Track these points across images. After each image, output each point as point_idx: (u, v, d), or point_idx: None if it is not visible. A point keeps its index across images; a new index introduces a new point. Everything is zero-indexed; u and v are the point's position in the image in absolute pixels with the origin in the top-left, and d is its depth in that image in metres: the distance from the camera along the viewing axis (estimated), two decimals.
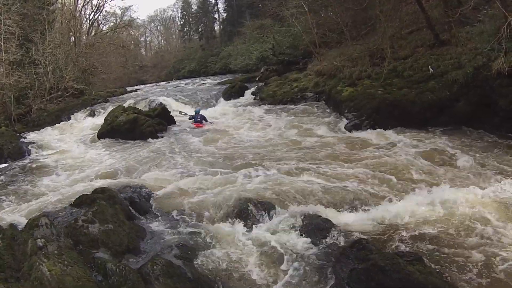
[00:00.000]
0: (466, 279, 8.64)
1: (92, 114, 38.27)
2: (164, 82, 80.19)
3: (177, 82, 73.26)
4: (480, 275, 8.67)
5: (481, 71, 18.56)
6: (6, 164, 23.64)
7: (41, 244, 8.68)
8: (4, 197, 16.91)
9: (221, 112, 33.47)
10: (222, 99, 39.70)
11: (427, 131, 20.02)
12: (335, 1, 34.10)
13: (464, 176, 14.16)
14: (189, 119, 30.43)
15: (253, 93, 39.41)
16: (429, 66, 21.70)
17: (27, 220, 10.42)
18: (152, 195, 14.51)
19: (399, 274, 8.07)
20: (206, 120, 29.30)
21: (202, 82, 60.43)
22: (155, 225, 12.28)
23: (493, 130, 18.33)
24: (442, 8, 23.79)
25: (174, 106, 36.55)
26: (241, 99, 38.84)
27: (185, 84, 61.26)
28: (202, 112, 30.60)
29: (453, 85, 19.84)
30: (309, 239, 10.43)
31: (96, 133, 28.78)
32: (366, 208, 12.34)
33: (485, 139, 17.83)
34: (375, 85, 23.74)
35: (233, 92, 40.81)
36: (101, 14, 62.20)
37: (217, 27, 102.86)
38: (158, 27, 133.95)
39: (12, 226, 10.74)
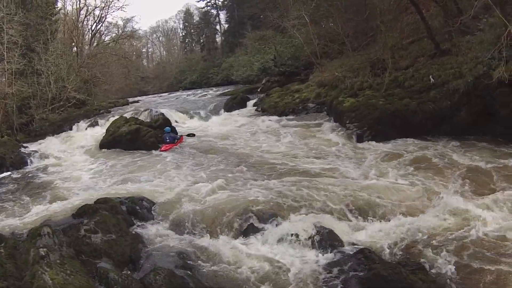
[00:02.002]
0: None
1: (94, 125, 38.21)
2: (166, 93, 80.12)
3: (178, 93, 73.23)
4: (485, 283, 8.70)
5: (481, 80, 18.61)
6: (8, 173, 23.67)
7: (43, 253, 8.71)
8: (6, 206, 16.94)
9: (222, 123, 33.54)
10: (223, 110, 39.59)
11: (428, 140, 20.01)
12: (336, 12, 34.13)
13: (465, 185, 14.18)
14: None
15: (254, 104, 39.47)
16: (430, 76, 21.74)
17: (29, 230, 10.43)
18: (154, 205, 14.55)
19: (402, 283, 8.11)
20: (176, 139, 27.11)
21: (204, 93, 60.35)
22: (157, 235, 12.26)
23: (494, 139, 18.33)
24: (442, 17, 23.91)
25: (176, 117, 36.43)
26: (242, 110, 38.70)
27: (187, 95, 61.18)
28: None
29: (454, 94, 19.90)
30: (312, 250, 10.48)
31: (98, 144, 28.80)
32: (370, 219, 12.38)
33: (486, 148, 17.83)
34: (376, 95, 23.76)
35: (234, 103, 40.59)
36: (103, 25, 62.14)
37: (218, 38, 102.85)
38: (160, 38, 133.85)
39: (14, 235, 10.80)
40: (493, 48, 18.21)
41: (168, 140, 26.66)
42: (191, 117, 37.99)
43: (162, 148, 25.82)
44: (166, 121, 31.37)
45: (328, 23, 39.30)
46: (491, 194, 12.90)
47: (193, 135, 28.85)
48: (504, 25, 17.29)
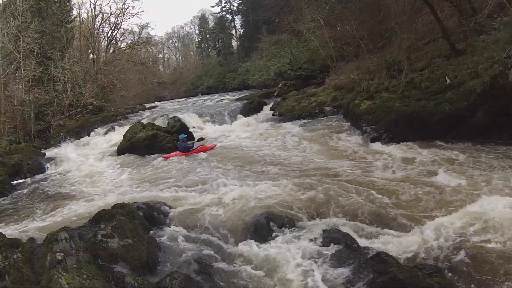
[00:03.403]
0: None
1: (112, 130, 38.44)
2: (183, 99, 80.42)
3: (196, 98, 73.43)
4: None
5: (498, 79, 18.46)
6: (26, 179, 23.91)
7: (60, 258, 8.77)
8: (23, 212, 17.23)
9: (240, 128, 33.56)
10: (240, 115, 39.50)
11: (446, 142, 19.90)
12: (351, 15, 34.05)
13: (486, 187, 14.05)
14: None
15: (271, 109, 39.47)
16: (446, 77, 21.63)
17: (47, 235, 10.47)
18: (171, 210, 14.62)
19: (418, 286, 8.05)
20: (189, 149, 25.90)
21: (221, 98, 60.46)
22: (173, 240, 12.32)
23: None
24: (457, 17, 23.79)
25: (193, 123, 36.46)
26: (259, 115, 38.86)
27: (204, 100, 61.45)
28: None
29: (471, 95, 19.74)
30: (328, 253, 10.39)
31: (116, 149, 28.96)
32: (386, 223, 12.34)
33: (504, 149, 17.70)
34: (392, 97, 23.66)
35: (251, 108, 40.71)
36: (119, 32, 62.53)
37: (234, 43, 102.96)
38: (176, 44, 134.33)
39: (31, 240, 10.86)
40: (508, 47, 18.14)
41: (180, 149, 26.14)
42: (209, 122, 38.10)
43: (165, 156, 25.62)
44: (183, 127, 31.47)
45: (343, 26, 39.20)
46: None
47: (202, 139, 28.21)
48: None
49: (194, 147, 26.36)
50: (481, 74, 19.75)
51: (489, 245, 10.07)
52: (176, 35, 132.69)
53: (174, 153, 25.88)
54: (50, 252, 9.17)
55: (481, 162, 16.57)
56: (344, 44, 37.64)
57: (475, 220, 11.31)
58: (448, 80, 21.42)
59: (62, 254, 8.94)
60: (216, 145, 27.13)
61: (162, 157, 25.41)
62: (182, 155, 25.33)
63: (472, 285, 8.84)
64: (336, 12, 37.39)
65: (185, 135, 27.33)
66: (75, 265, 8.71)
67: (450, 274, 9.22)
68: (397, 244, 10.84)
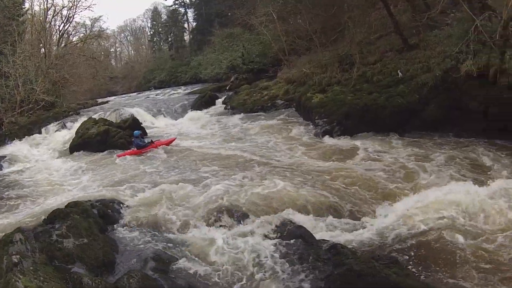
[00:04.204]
0: (441, 279, 8.75)
1: (64, 127, 37.83)
2: (135, 93, 79.67)
3: (147, 92, 72.91)
4: (457, 275, 8.79)
5: (450, 73, 18.73)
6: None
7: (16, 260, 8.57)
8: None
9: (191, 122, 33.38)
10: (192, 109, 39.30)
11: (399, 135, 20.10)
12: (304, 8, 34.14)
13: (430, 178, 14.35)
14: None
15: (223, 102, 39.27)
16: (398, 71, 21.83)
17: (1, 236, 10.32)
18: (126, 207, 14.32)
19: (375, 277, 8.02)
20: (142, 146, 24.55)
21: (173, 92, 60.00)
22: (129, 238, 12.06)
23: (465, 133, 18.49)
24: (410, 13, 24.01)
25: (145, 117, 36.14)
26: (211, 109, 38.47)
27: (156, 95, 60.90)
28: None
29: (423, 88, 19.97)
30: (283, 246, 10.33)
31: (68, 146, 28.55)
32: (340, 214, 12.42)
33: (455, 142, 18.01)
34: (344, 91, 23.75)
35: (203, 102, 40.25)
36: (71, 25, 61.29)
37: (187, 37, 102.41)
38: (128, 38, 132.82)
39: None
40: (461, 42, 18.40)
41: (133, 146, 25.27)
42: (160, 116, 37.88)
43: (119, 154, 24.51)
44: (135, 121, 30.98)
45: (296, 20, 39.33)
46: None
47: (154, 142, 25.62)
48: (472, 20, 17.47)
49: (149, 142, 25.24)
50: (433, 68, 20.03)
51: (442, 233, 10.22)
52: (128, 28, 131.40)
53: (129, 151, 25.13)
54: (6, 254, 9.03)
55: (431, 153, 16.88)
56: (297, 38, 37.74)
57: (425, 209, 11.56)
58: (400, 74, 21.64)
59: (18, 256, 8.75)
60: (175, 138, 26.25)
61: (116, 155, 24.44)
62: (137, 153, 24.29)
63: (429, 273, 8.94)
64: (289, 6, 37.56)
65: (140, 131, 26.46)
66: (31, 267, 8.55)
67: (406, 264, 9.34)
68: (352, 236, 10.97)
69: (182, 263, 10.25)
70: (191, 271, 9.91)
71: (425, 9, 23.26)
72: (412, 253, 9.73)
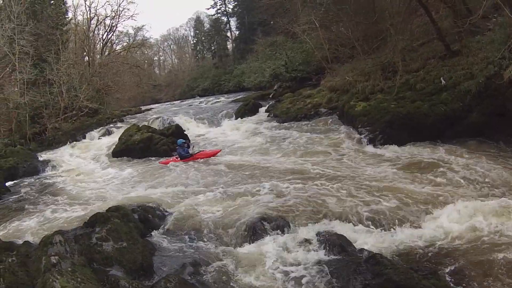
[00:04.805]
0: None
1: (107, 133, 38.48)
2: (179, 101, 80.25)
3: (191, 100, 73.28)
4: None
5: (493, 80, 18.49)
6: (21, 182, 23.87)
7: (54, 261, 8.74)
8: (18, 215, 17.11)
9: (234, 130, 33.66)
10: (235, 117, 39.59)
11: (441, 143, 19.90)
12: (346, 16, 33.99)
13: (478, 190, 14.09)
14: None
15: (266, 110, 39.45)
16: (441, 78, 21.59)
17: (42, 238, 10.45)
18: (166, 213, 14.63)
19: None
20: (185, 156, 24.63)
21: (216, 100, 60.33)
22: (169, 243, 12.35)
23: (508, 140, 18.18)
24: (452, 18, 23.72)
25: (188, 125, 36.45)
26: (255, 117, 38.62)
27: (199, 103, 61.27)
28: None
29: (466, 96, 19.77)
30: (323, 256, 10.43)
31: (111, 152, 28.93)
32: (381, 224, 12.33)
33: (500, 149, 17.71)
34: (388, 99, 23.60)
35: (247, 110, 40.41)
36: (114, 34, 62.43)
37: (229, 45, 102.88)
38: (171, 46, 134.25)
39: (27, 243, 10.85)
40: (503, 47, 18.15)
41: (176, 154, 25.38)
42: (203, 124, 38.18)
43: (162, 161, 25.11)
44: (179, 129, 31.35)
45: (338, 28, 39.14)
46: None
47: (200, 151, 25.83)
48: None
49: (194, 152, 25.22)
50: (476, 75, 19.77)
51: (485, 247, 10.07)
52: (171, 37, 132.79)
53: (172, 158, 25.30)
54: (45, 255, 9.16)
55: (477, 162, 16.52)
56: (339, 46, 37.56)
57: (472, 220, 11.36)
58: (443, 81, 21.40)
59: (56, 257, 8.93)
60: (220, 150, 25.74)
61: (159, 162, 24.98)
62: (180, 161, 24.31)
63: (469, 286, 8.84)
64: (331, 14, 37.37)
65: (184, 140, 26.36)
66: (69, 269, 8.69)
67: (445, 276, 9.21)
68: (392, 246, 10.84)
69: (220, 270, 10.42)
70: (229, 279, 10.06)
71: (466, 14, 22.93)
72: (453, 266, 9.61)
